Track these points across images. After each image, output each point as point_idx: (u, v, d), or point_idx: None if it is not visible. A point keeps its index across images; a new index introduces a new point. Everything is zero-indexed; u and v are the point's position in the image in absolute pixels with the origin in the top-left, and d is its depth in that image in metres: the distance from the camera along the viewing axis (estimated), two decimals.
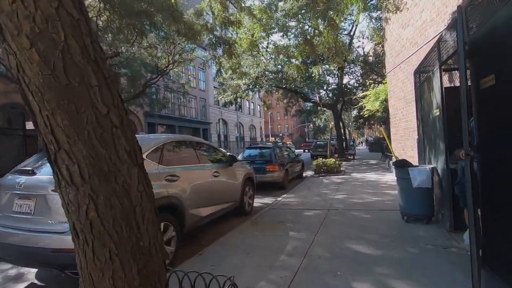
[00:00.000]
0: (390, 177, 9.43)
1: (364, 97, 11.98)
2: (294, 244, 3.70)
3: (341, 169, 12.31)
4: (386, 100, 10.67)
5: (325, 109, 20.67)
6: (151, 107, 18.61)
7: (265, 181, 8.54)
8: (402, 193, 4.46)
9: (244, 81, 14.88)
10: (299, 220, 5.00)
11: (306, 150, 35.97)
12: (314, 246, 3.56)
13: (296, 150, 49.74)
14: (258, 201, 7.25)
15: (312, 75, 9.75)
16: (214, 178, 4.55)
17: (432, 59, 4.32)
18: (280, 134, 64.62)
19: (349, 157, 19.00)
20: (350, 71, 23.93)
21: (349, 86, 24.77)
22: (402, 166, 4.46)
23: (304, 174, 12.53)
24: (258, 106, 52.96)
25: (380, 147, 22.96)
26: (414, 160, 8.21)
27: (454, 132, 4.27)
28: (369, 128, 34.91)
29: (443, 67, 3.90)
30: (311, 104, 34.43)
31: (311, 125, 58.90)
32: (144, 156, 3.33)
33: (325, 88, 23.34)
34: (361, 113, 13.33)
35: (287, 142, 55.37)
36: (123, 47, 12.00)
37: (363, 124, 30.45)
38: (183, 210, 3.68)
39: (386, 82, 10.38)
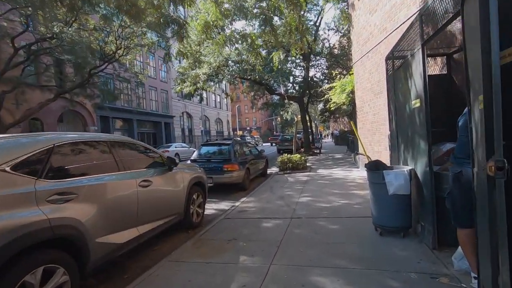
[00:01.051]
0: (357, 174, 8.93)
1: (330, 89, 11.43)
2: (242, 280, 2.77)
3: (307, 164, 11.71)
4: (352, 92, 10.14)
5: (291, 102, 20.11)
6: (102, 98, 16.65)
7: (223, 182, 7.56)
8: (375, 200, 3.73)
9: (204, 71, 13.63)
10: (255, 235, 4.10)
11: (274, 144, 35.52)
12: (268, 283, 2.66)
13: (264, 144, 49.49)
14: (213, 207, 6.27)
15: (273, 63, 8.87)
16: (142, 188, 3.46)
17: (410, 39, 3.58)
18: (248, 128, 63.84)
19: (315, 151, 18.62)
20: (316, 64, 23.61)
21: (315, 79, 24.49)
22: (376, 168, 3.71)
23: (269, 171, 11.75)
24: (225, 99, 51.54)
25: (346, 141, 23.03)
26: (382, 156, 7.70)
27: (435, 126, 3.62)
28: (335, 122, 35.25)
29: (426, 47, 3.16)
30: (278, 97, 34.04)
31: (279, 118, 58.78)
32: (5, 168, 2.19)
33: (291, 80, 22.79)
34: (327, 106, 12.80)
35: (255, 136, 54.85)
36: (56, 27, 10.17)
37: (328, 117, 30.52)
38: (85, 241, 2.58)
39: (352, 73, 9.82)
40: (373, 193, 3.76)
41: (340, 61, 18.75)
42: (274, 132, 56.99)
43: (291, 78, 21.45)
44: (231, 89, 56.74)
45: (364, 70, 8.70)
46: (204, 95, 45.15)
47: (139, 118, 27.58)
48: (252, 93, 23.20)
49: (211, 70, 13.73)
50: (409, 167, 3.64)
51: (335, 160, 13.93)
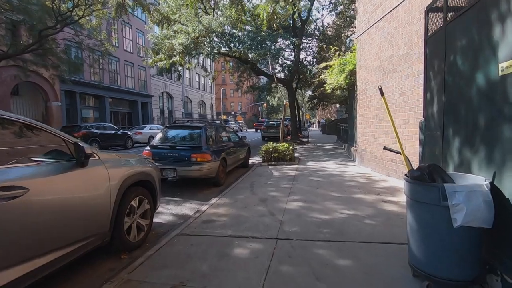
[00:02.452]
0: (355, 170, 7.51)
1: (326, 68, 9.85)
2: None
3: (295, 155, 10.24)
4: (352, 73, 8.60)
5: (279, 86, 18.46)
6: (64, 70, 14.31)
7: (191, 176, 5.93)
8: (420, 232, 2.22)
9: (180, 41, 11.62)
10: (219, 276, 2.53)
11: (258, 130, 33.92)
12: None
13: (248, 130, 47.80)
14: (171, 212, 4.66)
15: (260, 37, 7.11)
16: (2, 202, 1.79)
17: None
18: (233, 112, 61.79)
19: (303, 140, 17.19)
20: (308, 46, 21.84)
21: (305, 63, 22.79)
22: (429, 179, 2.19)
23: (251, 161, 10.20)
24: (209, 81, 49.00)
25: (335, 130, 21.73)
26: (388, 152, 6.28)
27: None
28: (323, 110, 33.93)
29: None
30: (265, 80, 32.07)
31: (265, 104, 57.04)
32: None
33: (280, 62, 21.01)
34: (324, 89, 11.21)
35: (240, 121, 52.97)
36: None
37: (317, 104, 29.11)
38: None
39: (355, 49, 8.26)
40: (416, 219, 2.25)
41: (334, 43, 17.09)
42: (260, 118, 55.22)
43: (279, 60, 19.66)
44: (218, 72, 54.11)
45: (371, 45, 7.13)
46: (187, 75, 42.78)
47: (112, 96, 25.10)
48: (237, 74, 21.27)
49: (188, 41, 11.74)
50: (483, 178, 2.13)
51: (326, 151, 12.53)
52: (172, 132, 6.65)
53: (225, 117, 51.68)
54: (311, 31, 21.48)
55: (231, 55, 15.83)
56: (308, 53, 22.85)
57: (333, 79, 9.00)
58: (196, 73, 42.30)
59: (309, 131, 28.07)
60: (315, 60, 21.43)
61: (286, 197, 5.03)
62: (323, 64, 9.68)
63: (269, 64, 11.07)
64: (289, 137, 17.81)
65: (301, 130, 25.02)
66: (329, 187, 5.66)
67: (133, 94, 28.06)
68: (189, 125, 6.82)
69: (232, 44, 14.52)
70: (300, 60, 21.36)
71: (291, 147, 9.24)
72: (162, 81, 33.37)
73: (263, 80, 34.46)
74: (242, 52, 13.90)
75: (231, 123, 42.31)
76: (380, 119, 6.73)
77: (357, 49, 7.94)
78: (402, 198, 4.66)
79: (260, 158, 9.41)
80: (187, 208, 4.94)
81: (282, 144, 9.36)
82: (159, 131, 20.26)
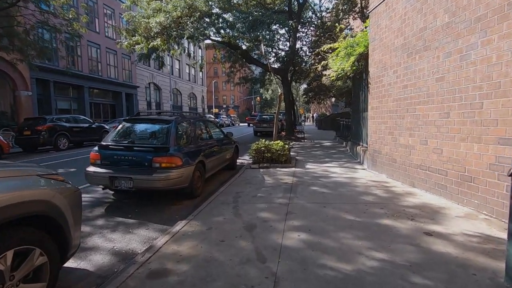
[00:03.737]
0: (365, 175, 6.05)
1: (330, 51, 8.28)
2: None
3: (291, 154, 8.75)
4: (362, 57, 7.09)
5: (273, 78, 16.90)
6: (26, 53, 12.44)
7: (153, 187, 4.37)
8: None
9: (158, 19, 9.90)
10: None
11: (251, 125, 32.35)
12: None
13: (241, 124, 46.19)
14: (112, 248, 3.15)
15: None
16: None
17: None
18: (225, 106, 60.00)
19: (299, 136, 15.72)
20: (305, 35, 20.18)
21: (301, 53, 21.16)
22: None
23: (240, 161, 8.73)
24: (201, 73, 46.99)
25: (333, 125, 20.30)
26: (413, 155, 4.82)
27: None
28: (318, 103, 32.43)
29: None
30: (259, 71, 30.28)
31: (258, 98, 55.33)
32: None
33: (274, 50, 19.36)
34: (320, 81, 9.67)
35: (232, 115, 51.14)
36: None
37: (313, 98, 27.56)
38: None
39: (366, 27, 6.74)
40: None
41: (334, 30, 15.43)
42: (253, 112, 53.46)
43: (274, 48, 18.01)
44: (210, 64, 51.58)
45: (390, 18, 5.61)
46: (177, 66, 40.64)
47: (92, 86, 23.15)
48: (229, 64, 19.54)
49: (169, 20, 10.03)
50: None
51: (325, 150, 11.07)
52: (131, 128, 5.04)
53: (216, 110, 49.80)
54: (308, 18, 19.85)
55: (220, 41, 14.17)
56: (304, 42, 21.26)
57: (338, 65, 7.47)
58: (187, 64, 40.28)
59: (303, 126, 26.61)
60: (311, 51, 19.78)
61: (283, 222, 3.53)
62: (325, 47, 8.11)
63: (261, 46, 9.44)
64: (283, 133, 16.32)
65: (296, 125, 23.53)
66: (340, 204, 4.18)
67: (116, 85, 26.11)
68: (155, 118, 5.23)
69: (221, 30, 12.83)
70: (296, 50, 19.80)
71: (286, 146, 7.74)
72: (149, 71, 31.39)
73: (257, 71, 32.74)
74: (231, 36, 12.25)
75: (223, 117, 40.61)
76: (402, 112, 5.26)
77: (371, 26, 6.42)
78: (454, 228, 3.21)
79: (250, 158, 7.90)
80: (139, 239, 3.41)
81: (276, 142, 7.84)
82: None
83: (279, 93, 9.09)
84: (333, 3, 17.65)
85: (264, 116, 21.49)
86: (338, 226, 3.38)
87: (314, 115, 44.53)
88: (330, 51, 8.22)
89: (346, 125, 11.91)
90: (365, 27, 7.11)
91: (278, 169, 7.10)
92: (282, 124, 19.06)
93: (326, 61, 8.27)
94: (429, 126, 4.55)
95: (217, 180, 6.46)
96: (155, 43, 11.25)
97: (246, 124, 38.31)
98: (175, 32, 10.21)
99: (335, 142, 13.78)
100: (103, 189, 4.91)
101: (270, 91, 47.55)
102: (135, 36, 11.13)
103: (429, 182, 4.58)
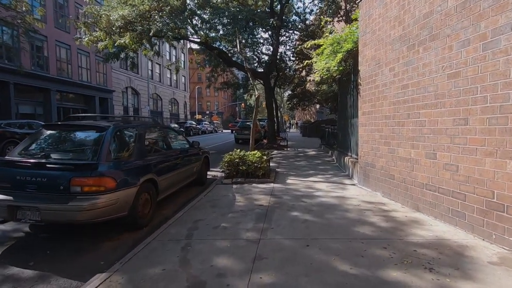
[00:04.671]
0: (357, 193, 5.01)
1: (314, 47, 7.33)
2: None
3: (272, 164, 7.68)
4: (350, 55, 6.16)
5: (257, 81, 15.94)
6: None
7: (70, 221, 3.14)
8: None
9: (121, 12, 8.69)
10: None
11: (234, 131, 31.20)
12: None
13: (224, 130, 45.04)
14: None
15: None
16: None
17: None
18: (208, 112, 58.65)
19: (281, 144, 14.70)
20: (287, 38, 19.37)
21: (285, 58, 20.35)
22: None
23: (213, 173, 7.60)
24: (183, 78, 45.61)
25: (317, 133, 19.45)
26: (415, 171, 3.82)
27: None
28: (303, 110, 31.73)
29: None
30: (242, 76, 29.27)
31: (243, 104, 54.38)
32: None
33: (256, 55, 18.46)
34: (313, 80, 8.69)
35: (215, 121, 49.77)
36: None
37: (297, 104, 26.76)
38: None
39: (356, 19, 5.82)
40: None
41: (318, 32, 14.65)
42: (237, 118, 52.25)
43: (255, 51, 17.11)
44: (194, 70, 49.77)
45: (385, 6, 4.69)
46: (157, 70, 39.04)
47: (60, 89, 21.39)
48: (210, 68, 18.39)
49: (134, 13, 8.84)
50: None
51: (310, 160, 10.07)
52: (51, 137, 3.79)
53: (200, 116, 48.33)
54: (292, 21, 19.11)
55: (197, 41, 13.06)
56: (288, 47, 20.48)
57: (322, 64, 6.51)
58: (168, 68, 38.76)
59: (287, 133, 25.70)
60: (295, 57, 18.94)
61: (247, 277, 2.40)
62: (309, 43, 7.16)
63: (238, 44, 8.38)
64: (265, 141, 15.28)
65: (279, 132, 22.58)
66: (329, 242, 3.10)
67: (89, 88, 24.39)
68: (85, 124, 3.97)
69: (196, 28, 11.72)
70: (280, 55, 18.96)
71: (265, 157, 6.64)
72: (127, 75, 29.81)
73: (240, 75, 31.79)
74: (207, 36, 11.17)
75: (205, 123, 39.27)
76: (402, 118, 4.29)
77: (361, 18, 5.50)
78: (493, 285, 2.18)
79: (222, 171, 6.75)
80: None
81: (253, 152, 6.75)
82: None
83: (257, 95, 8.02)
84: (317, 6, 16.85)
85: (247, 123, 20.35)
86: (327, 284, 2.29)
87: (298, 122, 43.92)
88: (315, 47, 7.28)
89: (331, 133, 10.99)
90: (354, 19, 6.20)
91: (254, 185, 5.99)
92: (265, 131, 18.06)
93: (310, 60, 7.30)
94: (438, 136, 3.58)
95: (180, 199, 5.29)
96: (122, 41, 9.97)
97: (230, 131, 37.13)
98: (140, 27, 9.02)
99: (320, 150, 12.84)
100: (1, 222, 3.61)
101: (253, 97, 46.77)
102: (96, 31, 9.84)
103: (439, 207, 3.59)
